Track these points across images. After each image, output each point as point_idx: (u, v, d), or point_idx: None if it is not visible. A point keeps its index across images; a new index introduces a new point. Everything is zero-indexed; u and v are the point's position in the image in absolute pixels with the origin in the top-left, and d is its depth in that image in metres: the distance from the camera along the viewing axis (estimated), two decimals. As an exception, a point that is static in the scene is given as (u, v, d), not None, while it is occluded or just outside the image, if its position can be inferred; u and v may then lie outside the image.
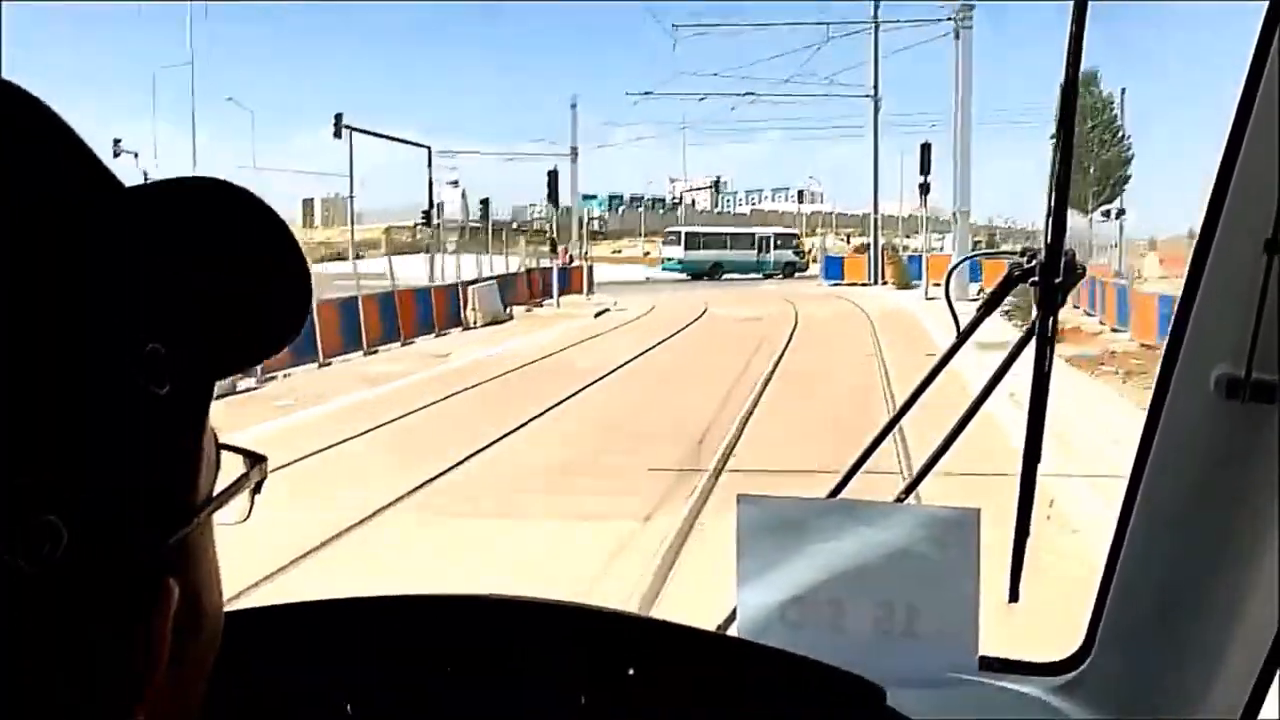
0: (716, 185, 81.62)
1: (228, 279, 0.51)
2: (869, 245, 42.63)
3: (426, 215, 35.69)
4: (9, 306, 0.40)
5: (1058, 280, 1.25)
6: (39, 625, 0.40)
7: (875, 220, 43.49)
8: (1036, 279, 1.26)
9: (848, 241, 60.48)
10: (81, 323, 0.42)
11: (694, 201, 79.62)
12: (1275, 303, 1.13)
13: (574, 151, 60.64)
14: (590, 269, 38.37)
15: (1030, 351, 1.30)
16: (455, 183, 60.69)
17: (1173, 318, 1.23)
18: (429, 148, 36.39)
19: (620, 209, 68.39)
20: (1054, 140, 1.21)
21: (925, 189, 33.54)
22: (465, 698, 1.07)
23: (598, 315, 29.09)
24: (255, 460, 0.52)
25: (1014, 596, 1.39)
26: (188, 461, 0.47)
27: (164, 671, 0.46)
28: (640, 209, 67.65)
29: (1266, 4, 1.13)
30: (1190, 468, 1.25)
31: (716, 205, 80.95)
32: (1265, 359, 1.14)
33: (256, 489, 0.52)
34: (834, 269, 42.43)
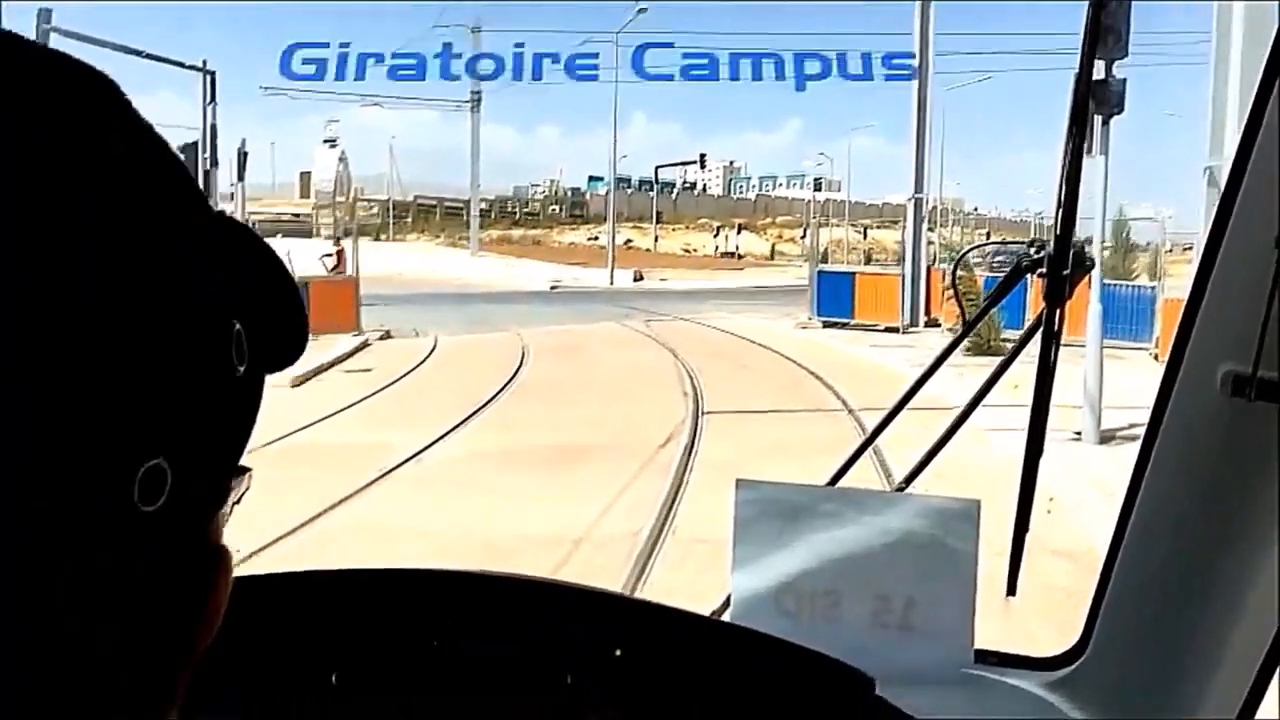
0: (729, 168, 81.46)
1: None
2: (904, 246, 25.43)
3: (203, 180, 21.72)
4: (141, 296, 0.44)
5: (1065, 273, 1.27)
6: (137, 567, 0.44)
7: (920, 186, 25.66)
8: (1044, 270, 1.28)
9: (864, 235, 58.92)
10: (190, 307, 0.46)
11: (705, 187, 79.51)
12: None
13: (475, 99, 49.85)
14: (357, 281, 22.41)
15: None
16: (332, 142, 51.75)
17: (1181, 313, 1.25)
18: (210, 72, 21.56)
19: (629, 192, 68.16)
20: (1068, 125, 1.22)
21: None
22: (450, 672, 1.10)
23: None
24: (241, 471, 0.56)
25: (1012, 590, 1.42)
26: (243, 439, 0.51)
27: (212, 637, 0.50)
28: (651, 193, 67.45)
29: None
30: (1193, 465, 1.27)
31: (730, 190, 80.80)
32: (1272, 357, 1.16)
33: (238, 500, 0.56)
34: (834, 294, 23.34)
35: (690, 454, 10.40)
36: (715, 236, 65.16)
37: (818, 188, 66.43)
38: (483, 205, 64.31)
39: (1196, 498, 1.28)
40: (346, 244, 24.73)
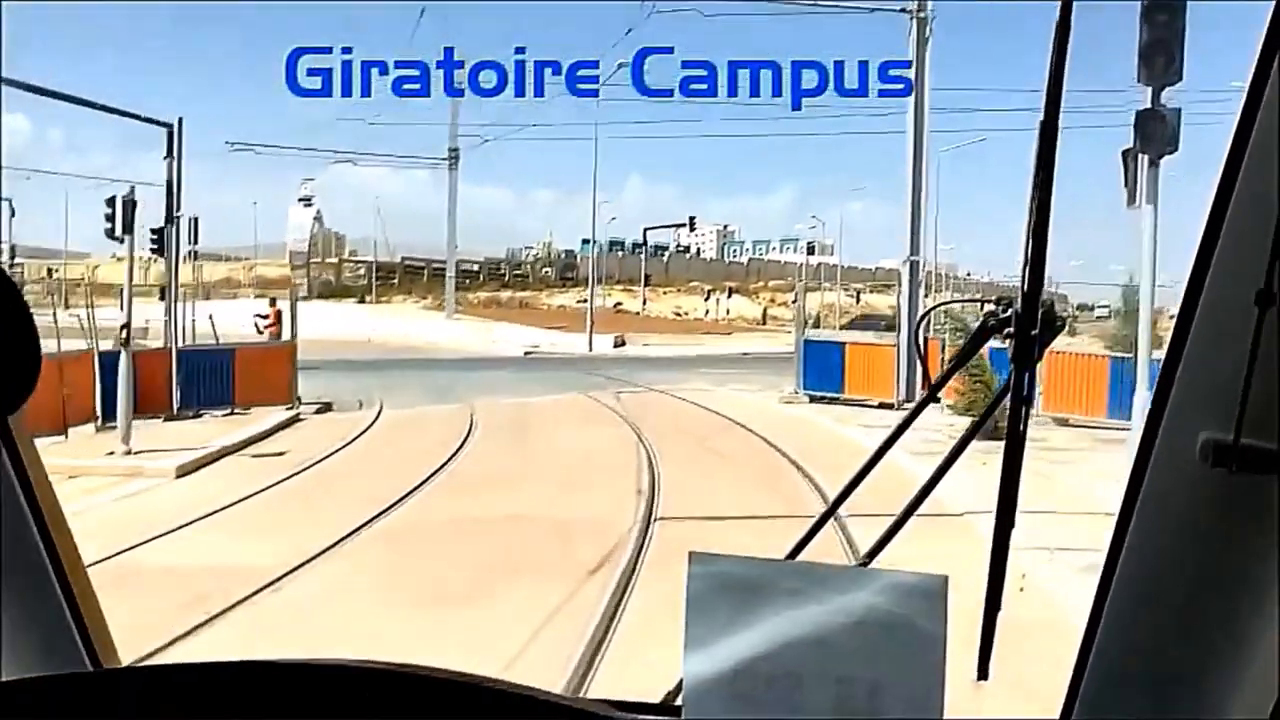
0: (723, 232, 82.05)
1: None
2: (900, 312, 24.63)
3: (157, 239, 20.95)
4: None
5: (1034, 333, 1.21)
6: None
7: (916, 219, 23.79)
8: (1011, 331, 1.22)
9: (857, 299, 59.23)
10: None
11: (699, 250, 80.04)
12: (1267, 361, 1.09)
13: (453, 155, 49.42)
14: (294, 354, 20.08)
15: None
16: (308, 200, 51.89)
17: (1157, 377, 1.20)
18: (170, 126, 20.41)
19: (620, 255, 68.51)
20: (1033, 178, 1.18)
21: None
22: None
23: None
24: None
25: (983, 674, 1.34)
26: None
27: None
28: (640, 255, 67.80)
29: (1258, 54, 1.11)
30: (1173, 541, 1.21)
31: (723, 254, 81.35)
32: (1256, 423, 1.10)
33: None
34: (823, 365, 21.98)
35: (628, 582, 8.44)
36: (706, 300, 65.39)
37: (811, 251, 66.79)
38: (473, 267, 64.57)
39: (1177, 576, 1.21)
40: (284, 305, 22.87)
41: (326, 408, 20.10)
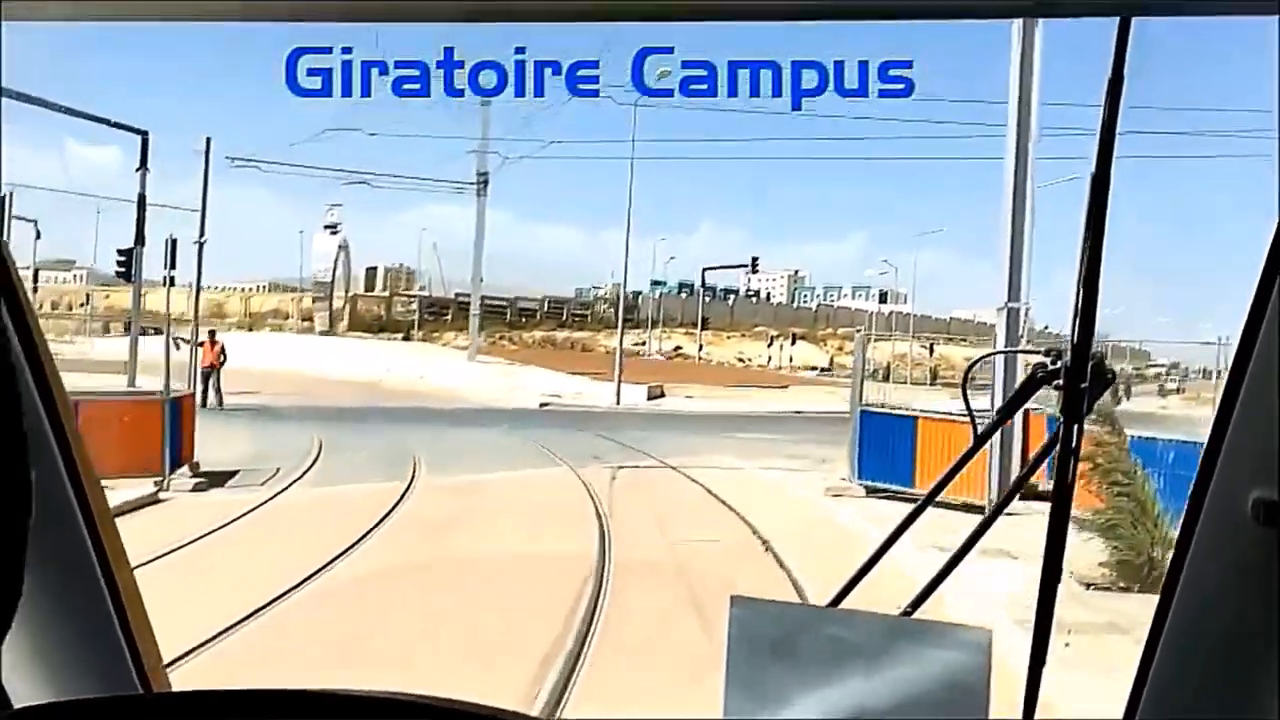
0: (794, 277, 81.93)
1: None
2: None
3: (123, 263, 20.32)
4: None
5: (1084, 385, 1.24)
6: None
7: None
8: (1060, 383, 1.25)
9: (930, 351, 58.36)
10: None
11: (769, 295, 79.94)
12: None
13: (481, 180, 46.27)
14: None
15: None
16: (334, 228, 49.75)
17: (1208, 435, 1.22)
18: (143, 133, 19.75)
19: (685, 297, 68.63)
20: (1085, 228, 1.21)
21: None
22: None
23: None
24: None
25: (1027, 727, 1.36)
26: None
27: None
28: (703, 298, 67.82)
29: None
30: (1222, 597, 1.22)
31: (794, 300, 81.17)
32: None
33: None
34: (885, 446, 16.63)
35: None
36: (769, 346, 64.97)
37: (883, 299, 66.32)
38: (531, 305, 64.86)
39: (1226, 633, 1.22)
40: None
41: (217, 480, 15.98)
